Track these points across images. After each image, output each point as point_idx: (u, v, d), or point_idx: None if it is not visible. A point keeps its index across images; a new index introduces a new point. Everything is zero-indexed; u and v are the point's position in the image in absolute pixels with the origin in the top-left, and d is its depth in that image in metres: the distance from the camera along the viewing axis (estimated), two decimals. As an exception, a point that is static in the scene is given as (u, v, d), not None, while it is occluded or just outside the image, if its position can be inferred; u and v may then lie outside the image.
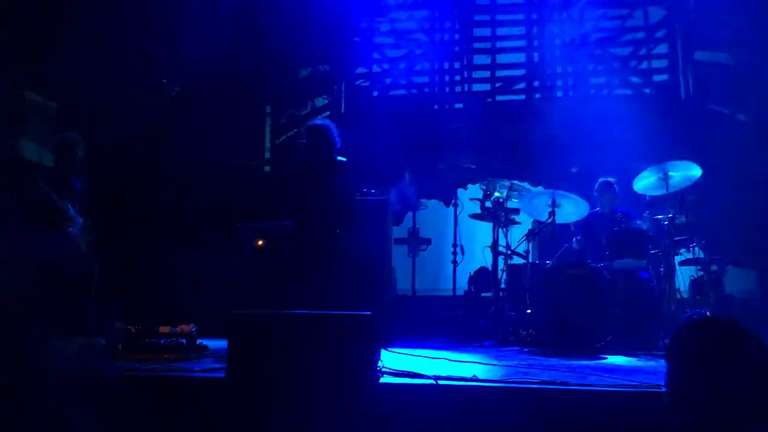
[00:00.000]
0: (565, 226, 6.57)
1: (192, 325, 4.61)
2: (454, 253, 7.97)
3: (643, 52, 8.49)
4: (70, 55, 7.36)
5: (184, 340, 4.54)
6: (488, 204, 6.63)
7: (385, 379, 3.80)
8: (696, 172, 5.96)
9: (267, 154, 8.83)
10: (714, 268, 6.40)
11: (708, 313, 5.75)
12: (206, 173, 7.72)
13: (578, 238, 6.53)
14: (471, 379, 3.80)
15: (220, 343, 4.60)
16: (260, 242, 6.50)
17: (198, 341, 4.68)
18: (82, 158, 6.01)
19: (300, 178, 5.50)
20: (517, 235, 6.80)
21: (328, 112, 8.80)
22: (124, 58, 7.34)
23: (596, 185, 6.61)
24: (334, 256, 5.35)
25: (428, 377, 3.76)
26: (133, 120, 7.25)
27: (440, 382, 3.69)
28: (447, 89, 8.84)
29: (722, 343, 1.46)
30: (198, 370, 4.08)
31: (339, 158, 5.46)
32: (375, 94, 8.95)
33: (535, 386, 3.70)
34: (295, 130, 8.74)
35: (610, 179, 6.57)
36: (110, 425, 3.66)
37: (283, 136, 8.91)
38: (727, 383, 1.43)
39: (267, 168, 8.69)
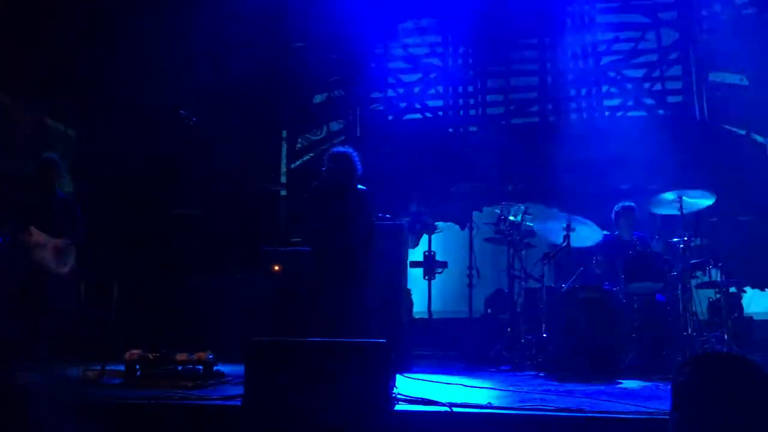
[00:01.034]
0: (583, 248, 6.55)
1: (209, 351, 4.64)
2: (470, 276, 7.98)
3: (656, 73, 8.51)
4: (89, 85, 7.51)
5: (201, 367, 4.58)
6: (503, 227, 6.64)
7: (400, 407, 3.81)
8: (708, 201, 5.94)
9: (283, 179, 8.92)
10: (732, 290, 6.36)
11: (726, 336, 5.74)
12: (224, 199, 7.81)
13: (599, 258, 6.47)
14: (486, 407, 3.80)
15: (237, 369, 4.63)
16: (277, 267, 6.55)
17: (215, 368, 4.71)
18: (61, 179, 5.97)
19: (321, 203, 5.56)
20: (533, 258, 6.80)
21: (343, 137, 8.89)
22: (142, 87, 7.47)
23: (617, 209, 6.52)
24: (354, 282, 5.39)
25: (443, 404, 3.76)
26: (152, 148, 7.35)
27: (455, 409, 3.69)
28: (461, 112, 8.90)
29: (725, 381, 1.47)
30: (215, 397, 4.11)
31: (359, 186, 5.52)
32: (390, 118, 9.03)
33: (551, 413, 3.68)
34: (311, 154, 8.84)
35: (631, 204, 6.50)
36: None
37: (299, 160, 9.01)
38: (733, 420, 1.44)
39: (283, 192, 8.78)
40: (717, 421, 1.46)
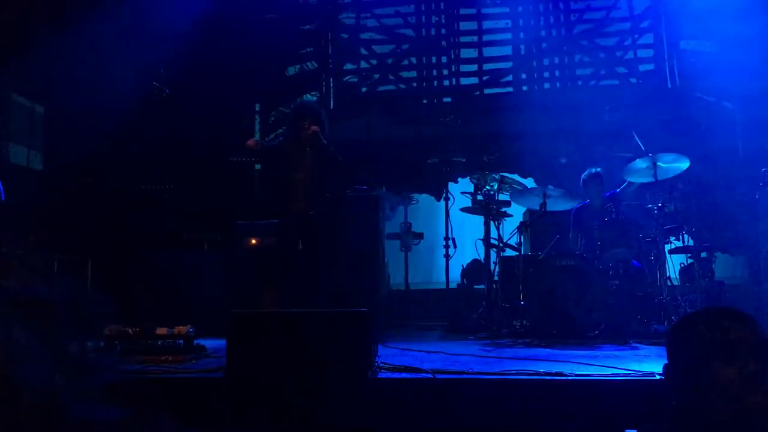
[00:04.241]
0: (561, 214, 6.61)
1: (189, 325, 4.62)
2: (447, 247, 8.00)
3: (628, 42, 8.55)
4: (56, 58, 7.33)
5: (181, 342, 4.56)
6: (479, 197, 6.67)
7: (382, 375, 3.83)
8: (684, 164, 6.00)
9: (257, 152, 8.82)
10: (704, 255, 6.47)
11: (699, 301, 5.85)
12: (198, 173, 7.72)
13: (573, 233, 6.54)
14: (467, 372, 3.84)
15: (217, 343, 4.62)
16: (253, 241, 6.51)
17: (195, 342, 4.69)
18: None
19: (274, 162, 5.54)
20: (509, 228, 6.84)
21: (316, 109, 8.81)
22: (112, 60, 7.32)
23: (583, 176, 6.61)
24: (314, 243, 5.39)
25: (425, 371, 3.80)
26: (123, 122, 7.23)
27: (437, 375, 3.72)
28: (435, 83, 8.86)
29: (726, 333, 1.48)
30: (196, 370, 4.09)
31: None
32: (363, 89, 8.96)
33: (531, 377, 3.74)
34: (284, 127, 8.76)
35: (597, 170, 6.58)
36: (109, 429, 3.69)
37: (272, 133, 8.92)
38: (728, 372, 1.45)
39: (258, 166, 8.70)
40: (714, 375, 1.46)
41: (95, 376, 0.94)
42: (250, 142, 5.76)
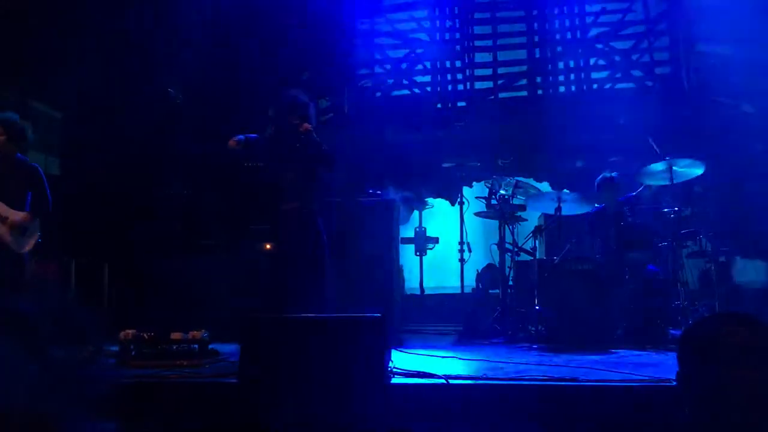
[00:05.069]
0: (576, 218, 6.56)
1: (204, 330, 4.63)
2: (462, 251, 7.99)
3: (644, 45, 8.48)
4: (74, 65, 7.41)
5: (196, 346, 4.58)
6: (494, 201, 6.65)
7: (396, 380, 3.82)
8: (700, 168, 5.94)
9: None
10: (722, 259, 6.40)
11: (717, 305, 5.78)
12: (212, 178, 7.76)
13: (591, 238, 6.49)
14: (481, 378, 3.82)
15: (231, 348, 4.63)
16: (267, 246, 6.53)
17: (210, 346, 4.71)
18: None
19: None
20: (523, 232, 6.81)
21: (331, 114, 8.83)
22: (128, 68, 7.38)
23: (597, 180, 6.54)
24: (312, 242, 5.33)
25: (439, 377, 3.78)
26: (139, 129, 7.28)
27: (451, 381, 3.71)
28: (449, 88, 8.84)
29: (739, 338, 1.46)
30: (210, 375, 4.11)
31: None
32: (378, 94, 8.96)
33: (545, 383, 3.72)
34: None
35: (611, 174, 6.51)
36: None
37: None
38: (742, 377, 1.43)
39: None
40: (726, 379, 1.44)
41: (86, 389, 0.93)
42: (231, 142, 5.43)
